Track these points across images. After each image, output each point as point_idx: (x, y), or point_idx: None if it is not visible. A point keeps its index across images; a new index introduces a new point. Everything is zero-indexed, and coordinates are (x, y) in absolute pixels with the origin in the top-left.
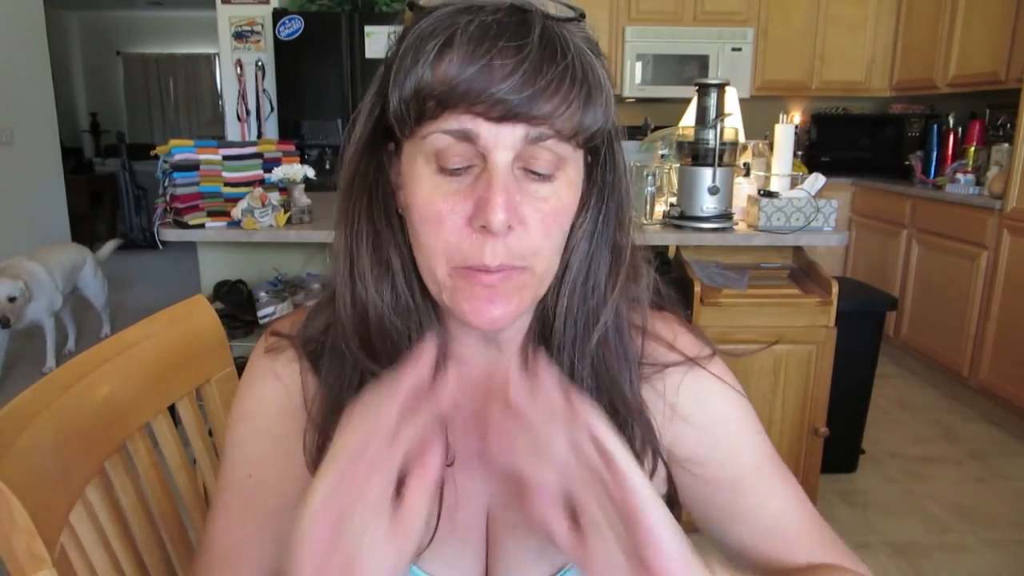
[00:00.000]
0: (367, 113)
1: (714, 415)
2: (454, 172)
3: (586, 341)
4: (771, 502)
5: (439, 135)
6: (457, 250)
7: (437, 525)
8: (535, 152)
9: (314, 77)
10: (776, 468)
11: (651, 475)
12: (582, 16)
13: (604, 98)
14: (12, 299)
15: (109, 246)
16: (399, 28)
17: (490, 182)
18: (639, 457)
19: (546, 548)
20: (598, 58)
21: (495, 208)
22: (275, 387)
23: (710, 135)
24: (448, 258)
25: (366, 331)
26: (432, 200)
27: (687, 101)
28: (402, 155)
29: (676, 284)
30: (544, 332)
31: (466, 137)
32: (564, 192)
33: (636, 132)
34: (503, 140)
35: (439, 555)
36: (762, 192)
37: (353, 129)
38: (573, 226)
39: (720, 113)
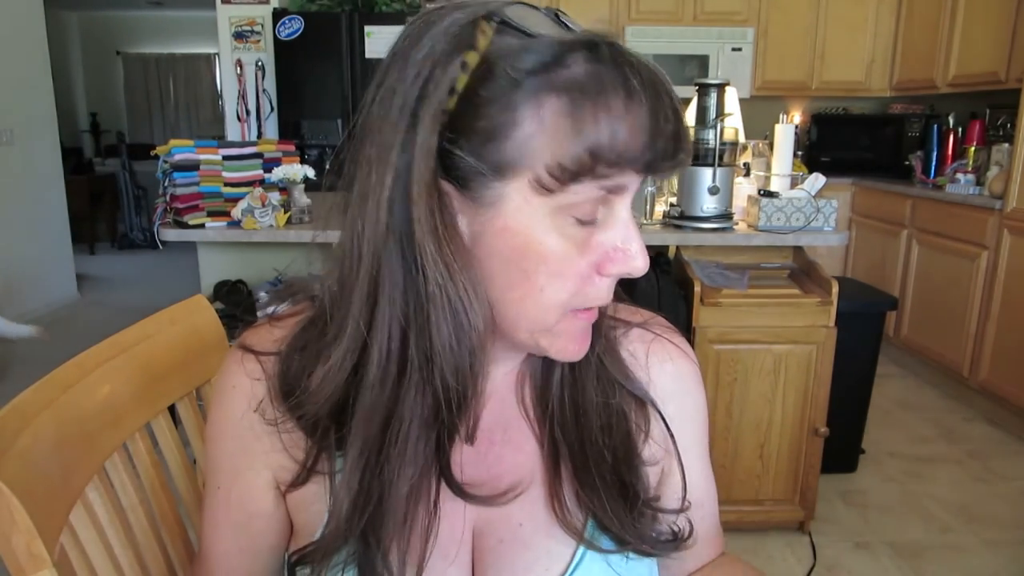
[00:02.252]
0: (424, 148)
1: (685, 397)
2: (587, 223)
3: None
4: (697, 480)
5: (593, 189)
6: (578, 296)
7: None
8: None
9: (314, 77)
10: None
11: (647, 427)
12: None
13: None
14: None
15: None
16: (477, 42)
17: (627, 233)
18: (643, 419)
19: (535, 562)
20: None
21: (639, 257)
22: (241, 405)
23: (710, 135)
24: (565, 306)
25: (440, 387)
26: (570, 255)
27: (687, 101)
28: (496, 202)
29: (676, 284)
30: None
31: (616, 191)
32: None
33: None
34: (633, 187)
35: (425, 573)
36: (762, 192)
37: (385, 162)
38: None
39: (720, 113)
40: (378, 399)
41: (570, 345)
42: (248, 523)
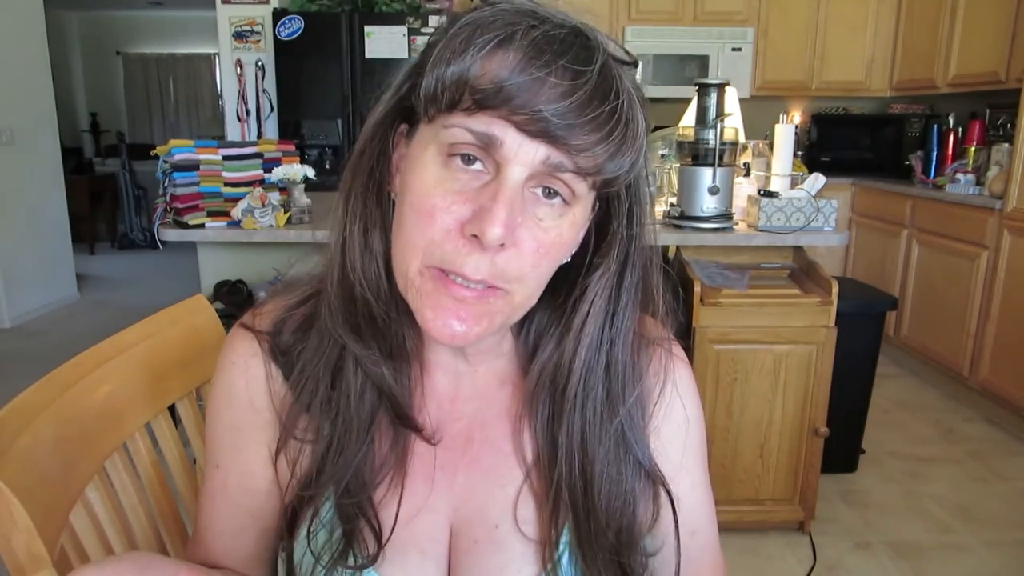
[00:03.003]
0: (395, 89)
1: (687, 417)
2: (464, 165)
3: (610, 403)
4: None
5: (462, 131)
6: (438, 249)
7: (391, 534)
8: (550, 179)
9: (314, 77)
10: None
11: (656, 516)
12: (636, 64)
13: (637, 148)
14: None
15: None
16: (451, 11)
17: (497, 194)
18: (651, 493)
19: (507, 565)
20: (643, 107)
21: (495, 220)
22: (241, 382)
23: (710, 135)
24: (425, 254)
25: (353, 310)
26: (431, 193)
27: (687, 101)
28: (414, 138)
29: (676, 284)
30: (556, 384)
31: (488, 143)
32: (567, 229)
33: None
34: (524, 156)
35: (400, 567)
36: (762, 192)
37: (377, 104)
38: (591, 276)
39: (720, 113)
40: (326, 345)
41: (427, 311)
42: (247, 502)
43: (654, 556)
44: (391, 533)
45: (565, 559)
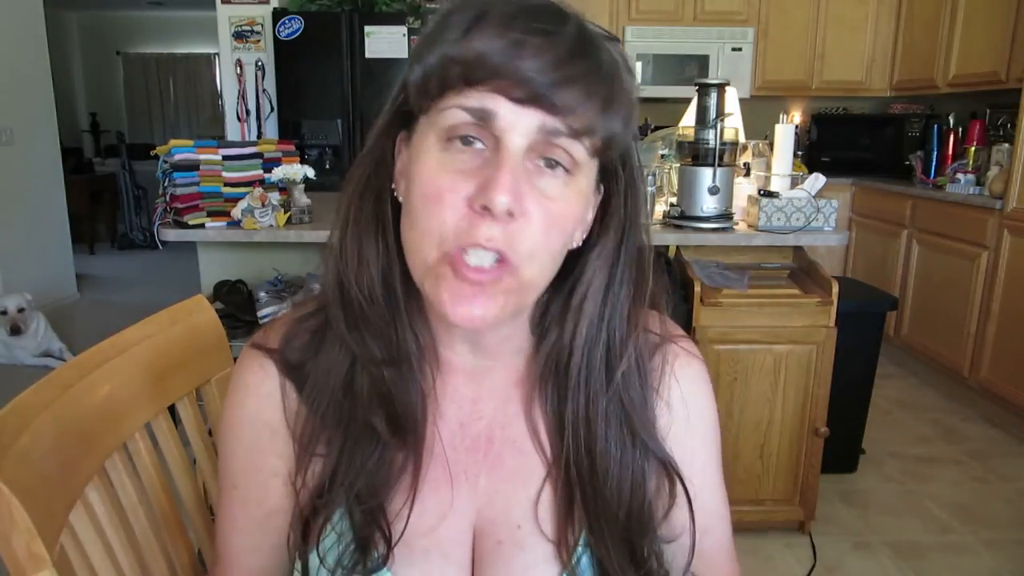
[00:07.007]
0: (391, 100)
1: (700, 415)
2: (463, 146)
3: (608, 378)
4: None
5: (456, 111)
6: (452, 230)
7: (402, 536)
8: (548, 147)
9: (314, 77)
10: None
11: (671, 501)
12: (616, 39)
13: (626, 107)
14: (21, 310)
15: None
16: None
17: (499, 163)
18: (666, 481)
19: (531, 566)
20: (628, 74)
21: (500, 187)
22: (255, 402)
23: (710, 135)
24: (441, 240)
25: (351, 312)
26: (435, 175)
27: (687, 101)
28: (414, 135)
29: (676, 284)
30: (559, 364)
31: (484, 117)
32: (573, 199)
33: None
34: (520, 125)
35: (422, 569)
36: (762, 192)
37: (379, 117)
38: (589, 254)
39: (720, 113)
40: (336, 356)
41: (444, 294)
42: (266, 521)
43: (670, 543)
44: (401, 536)
45: (584, 559)
